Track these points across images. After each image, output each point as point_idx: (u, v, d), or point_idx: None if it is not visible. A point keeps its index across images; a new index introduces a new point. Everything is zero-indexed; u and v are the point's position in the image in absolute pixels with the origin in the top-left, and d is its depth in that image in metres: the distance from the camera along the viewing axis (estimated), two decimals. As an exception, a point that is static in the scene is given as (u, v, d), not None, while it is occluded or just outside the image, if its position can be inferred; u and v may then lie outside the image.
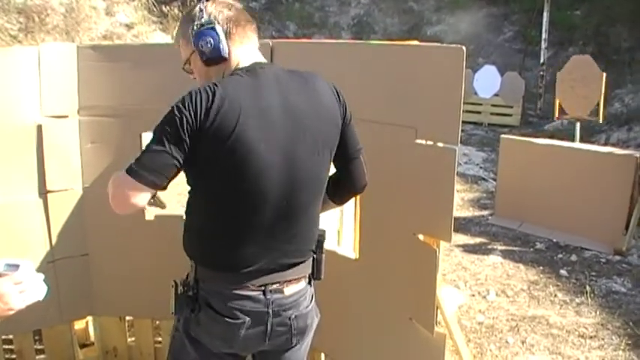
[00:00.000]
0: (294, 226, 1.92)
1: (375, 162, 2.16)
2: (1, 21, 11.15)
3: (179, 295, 1.94)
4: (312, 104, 1.88)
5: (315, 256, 2.03)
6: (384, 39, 13.73)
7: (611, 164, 5.68)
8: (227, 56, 1.88)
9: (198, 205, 1.91)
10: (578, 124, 7.07)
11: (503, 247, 5.65)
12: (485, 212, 6.69)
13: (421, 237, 2.36)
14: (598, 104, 6.79)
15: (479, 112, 11.24)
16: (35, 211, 2.92)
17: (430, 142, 2.28)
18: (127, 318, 3.39)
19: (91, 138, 2.96)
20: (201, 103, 1.73)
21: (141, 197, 1.76)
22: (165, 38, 13.17)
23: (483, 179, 7.93)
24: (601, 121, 7.09)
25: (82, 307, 3.17)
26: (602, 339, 4.06)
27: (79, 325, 3.35)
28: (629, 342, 4.01)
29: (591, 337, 4.08)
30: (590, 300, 4.57)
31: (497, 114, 11.33)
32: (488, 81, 11.35)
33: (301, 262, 1.98)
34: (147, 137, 2.96)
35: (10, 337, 3.17)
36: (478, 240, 5.87)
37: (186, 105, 1.73)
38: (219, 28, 1.85)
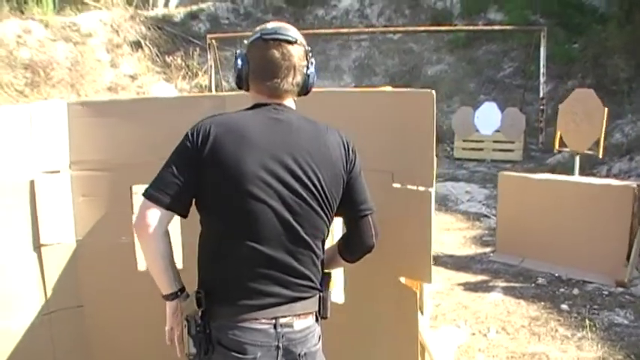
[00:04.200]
0: (296, 261, 1.98)
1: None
2: (7, 76, 11.39)
3: (194, 336, 1.97)
4: (319, 153, 1.99)
5: (321, 294, 2.08)
6: (386, 80, 13.88)
7: (609, 196, 5.67)
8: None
9: (207, 238, 2.00)
10: (577, 158, 7.07)
11: (505, 284, 5.62)
12: (487, 249, 6.67)
13: (403, 280, 2.40)
14: (598, 139, 6.77)
15: (481, 149, 11.27)
16: (30, 264, 2.98)
17: (407, 186, 2.33)
18: (124, 368, 3.41)
19: (83, 192, 3.03)
20: (200, 131, 1.93)
21: (151, 215, 1.89)
22: (169, 87, 13.38)
23: (485, 216, 7.92)
24: (600, 156, 7.06)
25: (77, 359, 3.19)
26: (604, 373, 4.03)
27: (75, 376, 3.37)
28: (631, 375, 3.97)
29: (593, 372, 4.05)
30: (591, 334, 4.53)
31: (500, 150, 11.34)
32: (489, 118, 11.39)
33: (308, 298, 2.02)
34: (137, 189, 3.04)
35: (7, 391, 3.19)
36: (480, 278, 5.84)
37: (191, 132, 1.94)
38: None
